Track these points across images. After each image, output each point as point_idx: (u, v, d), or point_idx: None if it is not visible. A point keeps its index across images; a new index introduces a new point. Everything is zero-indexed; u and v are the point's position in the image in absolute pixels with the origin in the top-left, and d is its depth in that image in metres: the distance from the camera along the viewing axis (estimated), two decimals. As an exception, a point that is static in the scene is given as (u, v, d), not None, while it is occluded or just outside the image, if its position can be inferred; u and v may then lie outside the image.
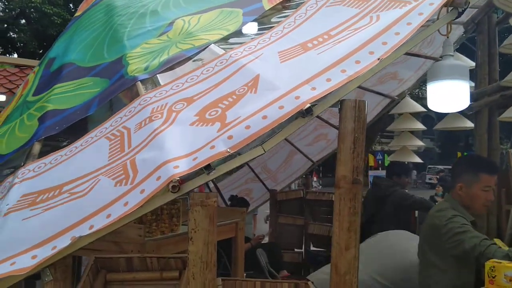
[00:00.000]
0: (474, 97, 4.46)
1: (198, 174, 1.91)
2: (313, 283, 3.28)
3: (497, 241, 2.73)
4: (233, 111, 2.06)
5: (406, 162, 5.58)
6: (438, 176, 18.06)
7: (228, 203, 6.24)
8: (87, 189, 1.99)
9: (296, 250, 6.46)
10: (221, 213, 4.14)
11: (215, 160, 1.86)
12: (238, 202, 6.11)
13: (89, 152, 2.26)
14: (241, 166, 6.60)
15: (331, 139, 6.47)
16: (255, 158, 2.26)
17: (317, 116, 6.21)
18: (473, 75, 4.33)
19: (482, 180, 2.63)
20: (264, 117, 1.93)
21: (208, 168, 1.85)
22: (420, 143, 5.66)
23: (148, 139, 2.07)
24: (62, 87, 2.98)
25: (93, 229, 1.82)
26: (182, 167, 1.85)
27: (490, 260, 2.27)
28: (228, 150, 1.87)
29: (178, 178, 1.80)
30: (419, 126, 5.39)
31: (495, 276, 2.22)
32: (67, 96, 2.86)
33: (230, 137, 1.91)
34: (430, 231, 2.67)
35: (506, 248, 2.42)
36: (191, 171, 1.84)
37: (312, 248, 6.51)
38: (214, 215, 1.85)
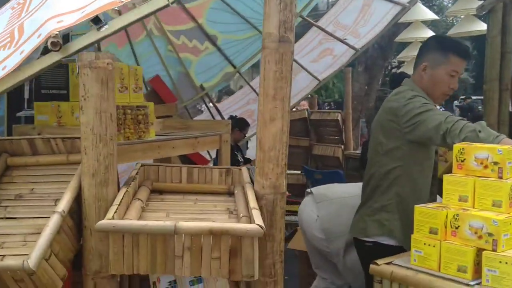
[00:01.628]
0: (486, -7, 3.94)
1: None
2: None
3: None
4: None
5: None
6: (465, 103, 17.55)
7: (228, 124, 5.95)
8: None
9: (301, 172, 6.20)
10: (205, 125, 3.88)
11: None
12: (237, 122, 5.82)
13: (-8, 26, 1.97)
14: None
15: (338, 54, 6.01)
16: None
17: (321, 29, 5.79)
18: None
19: (451, 62, 2.24)
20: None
21: (98, 22, 1.54)
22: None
23: (44, 0, 1.76)
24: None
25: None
26: (66, 21, 1.54)
27: (461, 142, 1.92)
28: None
29: (57, 33, 1.49)
30: (431, 34, 4.92)
31: (464, 159, 1.87)
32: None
33: (126, -15, 1.58)
34: (386, 116, 2.29)
35: None
36: (75, 24, 1.53)
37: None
38: (109, 79, 1.55)
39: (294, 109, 6.43)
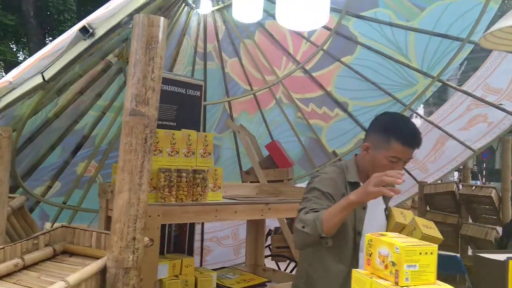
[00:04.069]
0: None
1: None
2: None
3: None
4: None
5: None
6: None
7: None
8: None
9: (448, 253, 5.40)
10: (297, 192, 3.83)
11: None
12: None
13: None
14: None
15: (494, 121, 5.23)
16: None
17: (469, 94, 5.16)
18: None
19: (392, 149, 1.93)
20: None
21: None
22: None
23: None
24: None
25: None
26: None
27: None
28: (10, 80, 1.76)
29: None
30: None
31: (371, 254, 1.49)
32: None
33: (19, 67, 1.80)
34: None
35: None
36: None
37: (470, 253, 5.38)
38: (5, 151, 1.76)
39: (439, 181, 5.74)
